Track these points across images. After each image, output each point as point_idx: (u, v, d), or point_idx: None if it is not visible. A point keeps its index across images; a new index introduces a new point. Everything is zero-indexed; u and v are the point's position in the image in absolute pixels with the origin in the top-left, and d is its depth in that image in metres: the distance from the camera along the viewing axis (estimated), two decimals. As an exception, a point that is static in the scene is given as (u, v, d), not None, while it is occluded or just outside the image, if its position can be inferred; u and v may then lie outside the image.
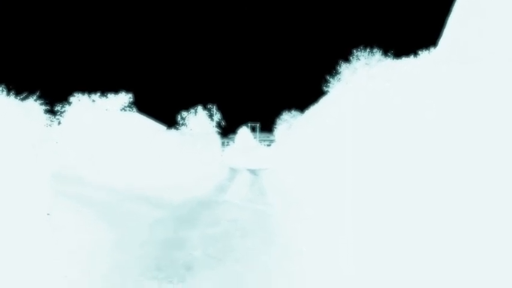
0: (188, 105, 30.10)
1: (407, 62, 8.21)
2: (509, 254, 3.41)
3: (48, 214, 6.52)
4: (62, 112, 17.96)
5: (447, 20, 9.41)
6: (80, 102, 18.49)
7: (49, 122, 15.93)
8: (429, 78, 6.44)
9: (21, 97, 6.96)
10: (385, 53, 12.67)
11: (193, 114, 28.89)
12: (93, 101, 18.83)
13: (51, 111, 17.22)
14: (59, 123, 17.60)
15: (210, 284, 4.88)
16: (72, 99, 18.45)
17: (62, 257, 5.61)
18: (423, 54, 8.27)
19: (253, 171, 24.86)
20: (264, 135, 60.27)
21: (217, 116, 33.09)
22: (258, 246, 6.54)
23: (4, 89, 6.81)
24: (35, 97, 6.95)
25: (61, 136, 16.54)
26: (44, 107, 6.88)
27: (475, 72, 5.43)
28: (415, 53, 8.47)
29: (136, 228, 7.66)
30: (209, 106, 30.70)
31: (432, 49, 9.14)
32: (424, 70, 6.83)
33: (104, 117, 17.91)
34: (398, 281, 4.45)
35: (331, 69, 14.78)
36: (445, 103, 5.71)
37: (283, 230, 7.65)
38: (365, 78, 10.04)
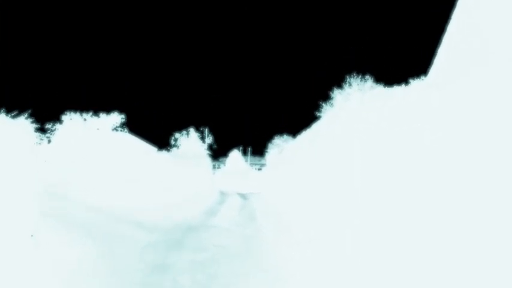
0: (180, 127, 30.01)
1: (398, 89, 8.31)
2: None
3: (31, 235, 6.34)
4: (52, 130, 17.78)
5: (437, 49, 9.61)
6: (71, 120, 18.34)
7: (39, 141, 15.74)
8: (420, 105, 6.50)
9: (12, 115, 6.86)
10: (377, 80, 12.81)
11: (185, 136, 28.83)
12: (85, 119, 18.71)
13: (42, 129, 17.05)
14: (49, 141, 17.40)
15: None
16: (63, 117, 18.30)
17: (46, 278, 5.42)
18: (414, 82, 8.40)
19: (243, 195, 24.72)
20: (255, 159, 60.27)
21: (209, 139, 33.08)
22: (246, 272, 6.40)
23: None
24: (26, 115, 6.86)
25: (50, 154, 16.33)
26: (34, 125, 6.78)
27: (466, 96, 5.49)
28: (406, 81, 8.59)
29: (123, 251, 7.47)
30: (201, 128, 30.71)
31: (423, 77, 9.29)
32: (415, 97, 6.91)
33: (94, 136, 17.76)
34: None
35: (324, 95, 14.89)
36: (437, 128, 5.74)
37: (273, 255, 7.53)
38: (357, 105, 10.12)
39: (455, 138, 5.26)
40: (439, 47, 9.51)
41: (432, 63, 9.85)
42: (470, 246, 4.07)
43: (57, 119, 18.14)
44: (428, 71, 10.11)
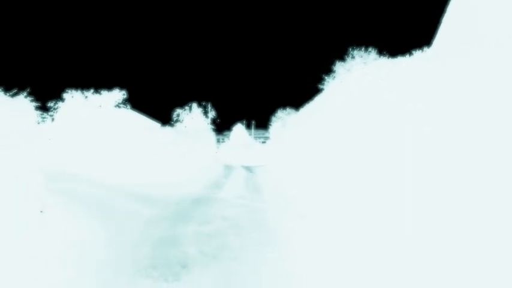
0: (183, 102, 30.01)
1: (401, 61, 8.24)
2: (510, 254, 3.43)
3: (41, 212, 6.48)
4: (55, 108, 17.83)
5: (441, 19, 9.45)
6: (73, 98, 18.35)
7: (41, 119, 15.82)
8: (423, 76, 6.47)
9: (11, 93, 6.88)
10: (380, 52, 12.71)
11: (188, 111, 28.80)
12: (86, 97, 18.70)
13: (44, 108, 17.10)
14: (52, 119, 17.49)
15: (205, 281, 4.88)
16: (65, 95, 18.30)
17: (53, 255, 5.58)
18: (417, 54, 8.31)
19: (248, 168, 24.87)
20: (259, 133, 60.22)
21: (212, 113, 33.01)
22: (253, 244, 6.55)
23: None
24: (25, 94, 6.87)
25: (54, 133, 16.42)
26: (35, 104, 6.80)
27: (469, 68, 5.46)
28: (410, 52, 8.50)
29: (129, 226, 7.64)
30: (204, 103, 30.62)
31: (426, 48, 9.20)
32: (418, 68, 6.86)
33: (97, 114, 17.80)
34: (398, 279, 4.48)
35: (326, 68, 14.80)
36: (439, 100, 5.74)
37: (279, 227, 7.67)
38: (359, 77, 10.06)
39: (457, 112, 5.26)
40: (443, 16, 9.36)
41: (436, 34, 9.71)
42: (469, 238, 4.14)
43: (58, 97, 18.16)
44: (432, 42, 9.99)
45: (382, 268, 4.81)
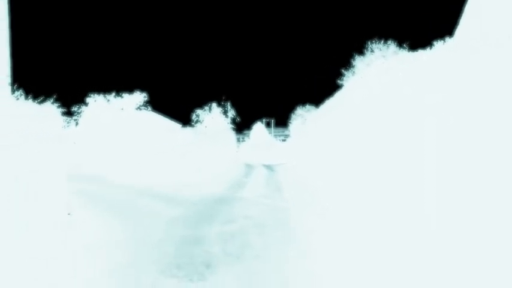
0: (202, 102, 30.21)
1: (422, 54, 8.08)
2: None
3: (69, 214, 6.65)
4: (78, 113, 18.28)
5: (463, 9, 9.21)
6: (95, 102, 18.76)
7: (66, 124, 16.23)
8: (444, 70, 6.33)
9: (39, 100, 7.07)
10: (400, 44, 12.49)
11: (208, 111, 28.99)
12: (108, 100, 19.08)
13: (68, 113, 17.54)
14: (77, 124, 17.92)
15: (229, 281, 4.91)
16: (88, 99, 18.73)
17: (79, 255, 5.70)
18: (438, 45, 8.13)
19: (269, 167, 24.85)
20: (279, 130, 60.12)
21: (231, 113, 33.12)
22: (275, 243, 6.54)
23: (22, 93, 6.96)
24: (52, 100, 7.06)
25: (78, 136, 16.82)
26: (61, 109, 6.97)
27: (489, 61, 5.32)
28: (431, 44, 8.31)
29: (153, 226, 7.74)
30: (223, 103, 30.75)
31: (448, 39, 8.99)
32: (439, 61, 6.72)
33: (119, 116, 18.12)
34: (418, 277, 4.41)
35: (346, 63, 14.65)
36: (459, 94, 5.61)
37: (301, 226, 7.64)
38: (379, 71, 9.92)
39: (478, 105, 5.13)
40: (465, 5, 9.12)
41: (458, 23, 9.48)
42: (486, 239, 4.05)
43: (82, 101, 18.61)
44: (454, 32, 9.75)
45: (402, 266, 4.74)
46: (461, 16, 9.50)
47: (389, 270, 4.77)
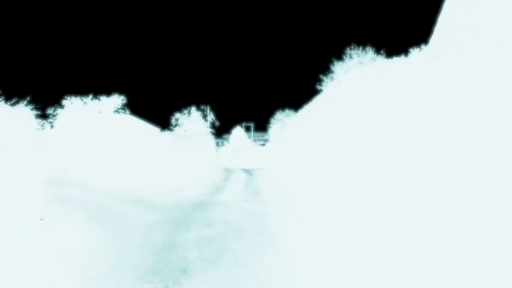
0: (181, 106, 29.97)
1: (398, 61, 8.24)
2: (510, 254, 3.41)
3: (41, 219, 6.46)
4: (54, 116, 17.86)
5: (437, 18, 9.45)
6: (72, 105, 18.37)
7: (41, 127, 15.85)
8: (420, 76, 6.46)
9: (11, 102, 6.89)
10: (378, 51, 12.71)
11: (187, 115, 28.79)
12: (85, 103, 18.72)
13: (43, 115, 17.12)
14: (52, 127, 17.50)
15: (205, 286, 4.86)
16: (64, 102, 18.32)
17: (55, 261, 5.55)
18: (414, 52, 8.33)
19: (248, 171, 24.84)
20: (259, 135, 60.23)
21: (210, 117, 33.01)
22: (253, 247, 6.52)
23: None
24: (25, 102, 6.88)
25: (54, 140, 16.43)
26: (35, 112, 6.79)
27: (467, 66, 5.45)
28: (407, 52, 8.51)
29: (130, 231, 7.61)
30: (202, 107, 30.60)
31: (423, 47, 9.20)
32: (416, 68, 6.86)
33: (96, 119, 17.80)
34: (395, 279, 4.46)
35: (325, 68, 14.80)
36: (436, 99, 5.73)
37: (280, 230, 7.64)
38: (358, 77, 10.06)
39: (454, 111, 5.25)
40: (439, 14, 9.36)
41: (433, 31, 9.72)
42: (467, 238, 4.13)
43: (57, 103, 18.18)
44: (429, 40, 9.99)
45: (380, 269, 4.78)
46: (435, 25, 9.75)
47: (368, 275, 4.81)
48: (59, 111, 18.00)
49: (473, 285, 3.59)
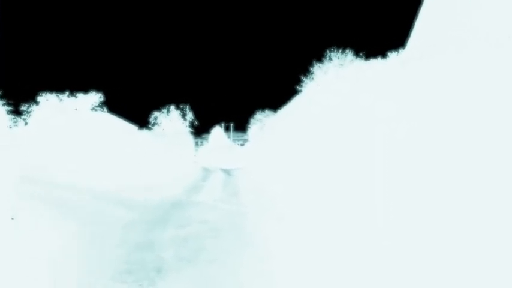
0: (160, 105, 29.63)
1: (376, 63, 8.37)
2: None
3: (12, 218, 6.28)
4: (28, 112, 17.38)
5: (415, 21, 9.64)
6: (47, 102, 17.92)
7: (13, 123, 15.40)
8: (397, 79, 6.57)
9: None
10: (357, 53, 12.88)
11: (166, 114, 28.54)
12: (61, 100, 18.28)
13: (16, 112, 16.64)
14: (26, 123, 17.04)
15: (181, 285, 4.81)
16: (39, 98, 17.85)
17: (29, 260, 5.41)
18: (392, 55, 8.49)
19: (226, 171, 24.78)
20: (238, 135, 60.15)
21: (190, 116, 32.81)
22: (230, 247, 6.50)
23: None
24: (-4, 97, 6.68)
25: (28, 137, 16.00)
26: (7, 108, 6.60)
27: (442, 69, 5.56)
28: (384, 54, 8.68)
29: (106, 230, 7.48)
30: (182, 106, 30.37)
31: (401, 50, 9.38)
32: (393, 70, 6.97)
33: (73, 117, 17.44)
34: (374, 279, 4.50)
35: (305, 70, 14.92)
36: (413, 101, 5.83)
37: (257, 230, 7.64)
38: (336, 79, 10.16)
39: (432, 112, 5.35)
40: (416, 19, 9.55)
41: (409, 36, 9.91)
42: (457, 240, 4.20)
43: (32, 100, 17.69)
44: (406, 44, 10.19)
45: (359, 269, 4.83)
46: (412, 29, 9.94)
47: (346, 275, 4.85)
48: (34, 107, 17.51)
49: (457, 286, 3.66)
